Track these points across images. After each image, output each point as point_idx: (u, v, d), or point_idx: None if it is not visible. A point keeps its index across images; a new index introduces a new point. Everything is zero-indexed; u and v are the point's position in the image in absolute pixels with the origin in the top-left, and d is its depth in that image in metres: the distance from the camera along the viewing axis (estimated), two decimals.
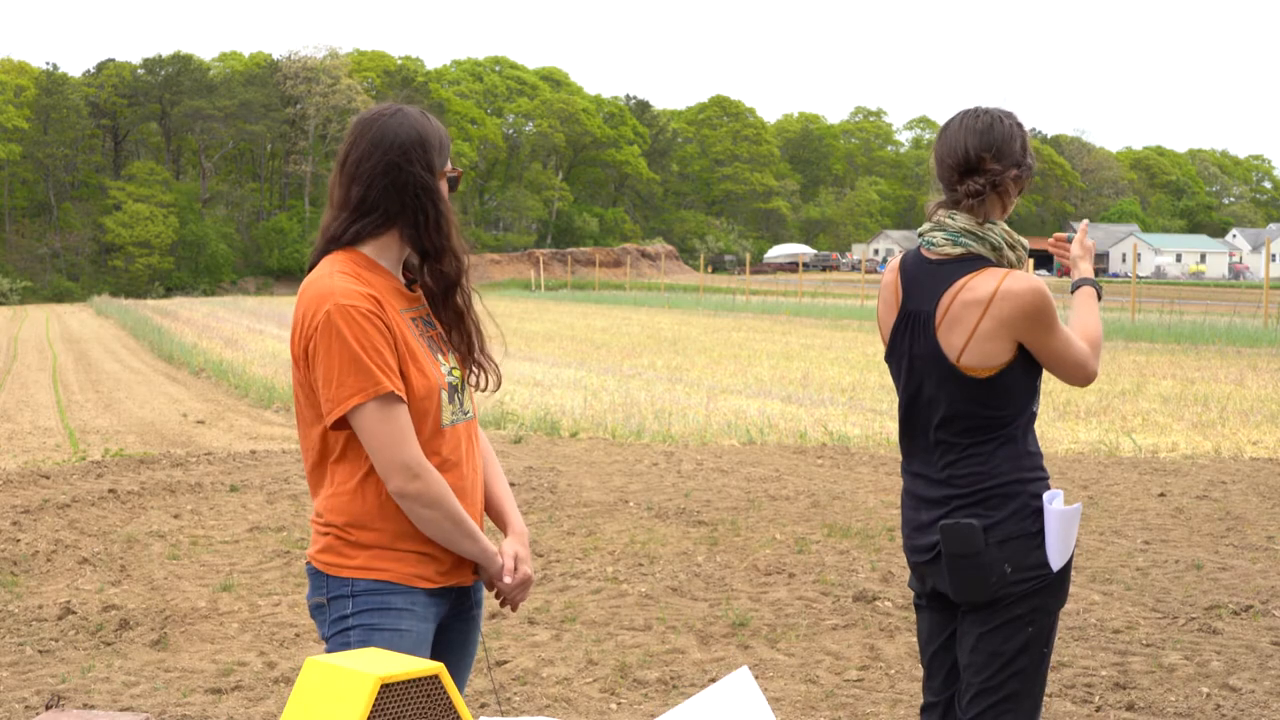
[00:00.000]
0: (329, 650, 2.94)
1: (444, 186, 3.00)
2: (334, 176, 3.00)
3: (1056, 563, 3.25)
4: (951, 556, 3.27)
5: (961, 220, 3.31)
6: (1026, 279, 3.25)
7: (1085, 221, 3.74)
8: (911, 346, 3.35)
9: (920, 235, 3.40)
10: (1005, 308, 3.21)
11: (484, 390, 3.11)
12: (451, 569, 2.98)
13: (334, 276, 2.87)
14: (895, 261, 3.48)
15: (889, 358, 3.44)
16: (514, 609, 3.13)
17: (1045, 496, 3.27)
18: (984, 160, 3.31)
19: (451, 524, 2.90)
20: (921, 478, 3.37)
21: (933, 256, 3.35)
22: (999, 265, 3.31)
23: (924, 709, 3.51)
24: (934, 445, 3.34)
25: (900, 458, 3.48)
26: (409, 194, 2.92)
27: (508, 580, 3.03)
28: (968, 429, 3.29)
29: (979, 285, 3.25)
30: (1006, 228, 3.33)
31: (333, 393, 2.83)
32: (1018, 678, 3.28)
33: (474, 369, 3.08)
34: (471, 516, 2.98)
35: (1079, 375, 3.35)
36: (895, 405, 3.52)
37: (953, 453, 3.31)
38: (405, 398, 2.86)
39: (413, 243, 2.96)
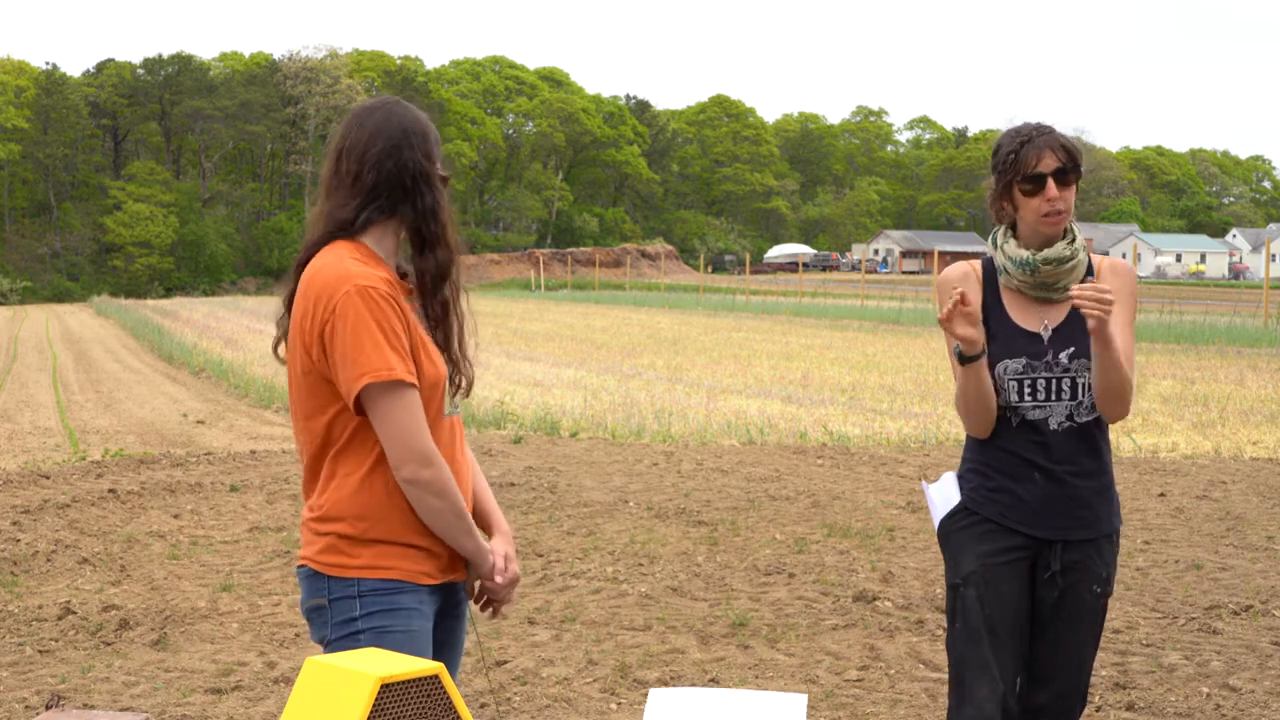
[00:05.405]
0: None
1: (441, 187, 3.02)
2: (331, 166, 3.00)
3: (935, 529, 3.65)
4: None
5: None
6: (948, 267, 3.63)
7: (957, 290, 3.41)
8: None
9: None
10: None
11: (455, 390, 3.06)
12: (448, 565, 2.97)
13: (346, 262, 2.87)
14: None
15: None
16: (495, 613, 3.10)
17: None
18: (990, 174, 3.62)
19: (455, 516, 2.89)
20: None
21: None
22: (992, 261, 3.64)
23: None
24: None
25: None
26: (408, 177, 2.95)
27: (499, 580, 3.01)
28: None
29: None
30: (1000, 231, 3.60)
31: (353, 371, 2.80)
32: (947, 648, 3.61)
33: (451, 367, 3.04)
34: None
35: None
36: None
37: None
38: (417, 385, 2.86)
39: (412, 228, 2.97)
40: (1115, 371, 3.36)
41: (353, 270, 2.85)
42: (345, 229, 2.95)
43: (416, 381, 2.85)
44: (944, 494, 3.59)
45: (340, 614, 2.89)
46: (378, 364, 2.80)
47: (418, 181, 2.96)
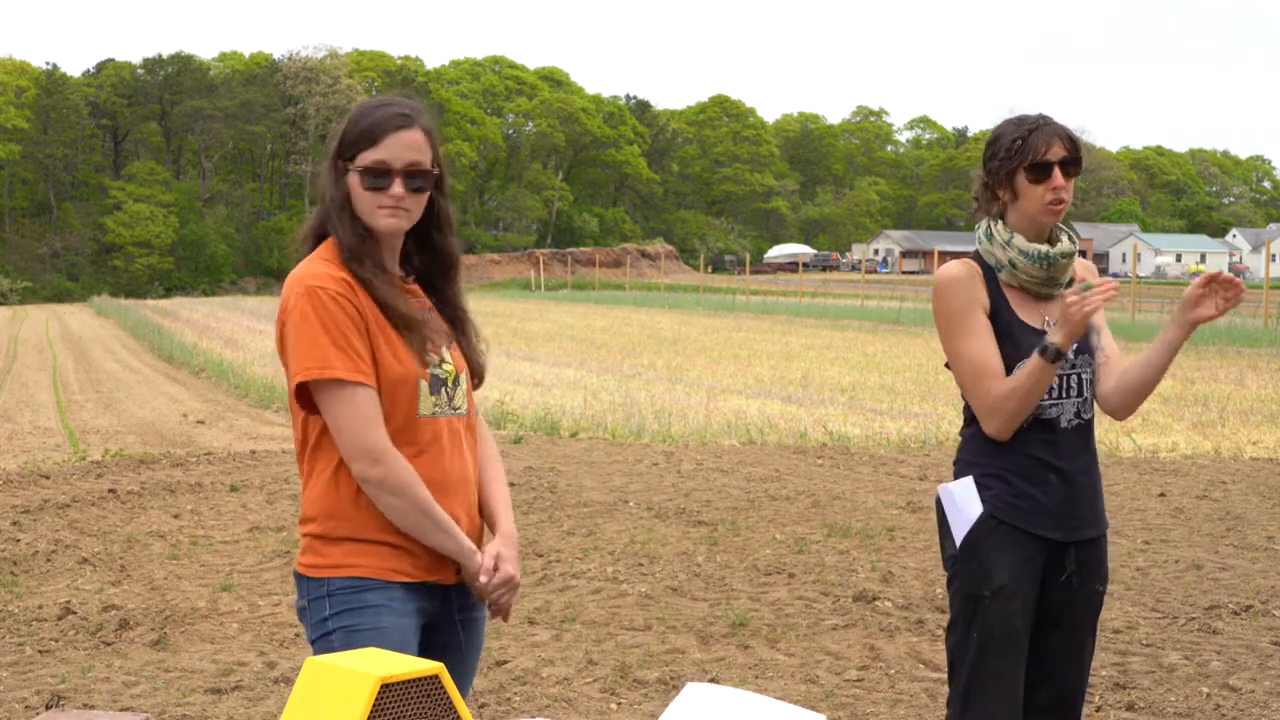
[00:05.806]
0: (315, 654, 2.91)
1: (355, 178, 2.93)
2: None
3: (957, 538, 3.49)
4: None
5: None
6: (947, 266, 3.52)
7: (1101, 281, 3.36)
8: None
9: None
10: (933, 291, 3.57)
11: (438, 357, 3.02)
12: (431, 565, 2.92)
13: (312, 263, 2.92)
14: None
15: None
16: (504, 616, 3.05)
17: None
18: (983, 163, 3.55)
19: (419, 514, 2.85)
20: None
21: None
22: (983, 258, 3.55)
23: None
24: None
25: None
26: (323, 178, 3.00)
27: (483, 579, 2.94)
28: (964, 410, 3.59)
29: None
30: (999, 226, 3.51)
31: (291, 370, 2.86)
32: (953, 658, 3.51)
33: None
34: (456, 513, 2.93)
35: (971, 399, 3.48)
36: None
37: None
38: (372, 382, 2.85)
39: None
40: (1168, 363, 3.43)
41: (311, 270, 2.89)
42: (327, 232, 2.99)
43: (366, 379, 2.84)
44: (965, 498, 3.50)
45: (315, 614, 2.90)
46: (311, 362, 2.82)
47: (327, 181, 2.98)
